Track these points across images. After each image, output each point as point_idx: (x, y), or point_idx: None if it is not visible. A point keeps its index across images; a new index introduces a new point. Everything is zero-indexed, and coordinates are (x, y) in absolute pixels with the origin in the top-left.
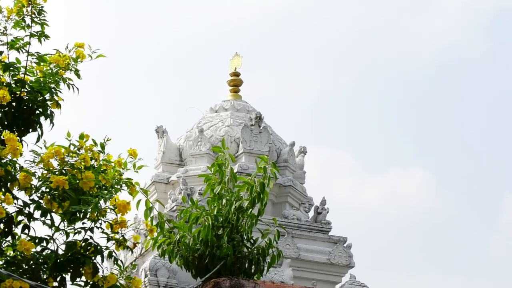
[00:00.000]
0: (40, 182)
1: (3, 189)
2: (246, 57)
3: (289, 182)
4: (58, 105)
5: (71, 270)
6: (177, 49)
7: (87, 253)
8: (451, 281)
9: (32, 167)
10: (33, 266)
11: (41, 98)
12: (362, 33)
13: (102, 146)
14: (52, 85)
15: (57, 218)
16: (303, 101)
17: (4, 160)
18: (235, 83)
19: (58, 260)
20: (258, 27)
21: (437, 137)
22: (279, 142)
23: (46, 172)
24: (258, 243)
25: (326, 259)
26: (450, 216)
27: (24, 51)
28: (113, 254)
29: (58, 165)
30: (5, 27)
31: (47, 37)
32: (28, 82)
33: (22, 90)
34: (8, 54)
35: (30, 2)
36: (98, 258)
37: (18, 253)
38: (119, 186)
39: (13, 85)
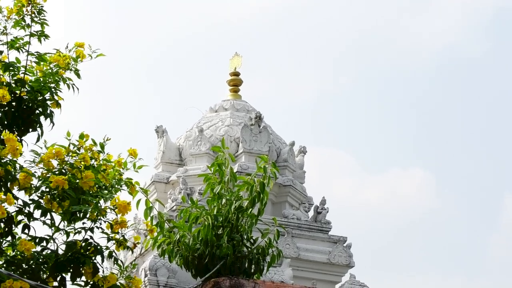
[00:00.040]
0: (40, 182)
1: (3, 189)
2: (246, 57)
3: (289, 182)
4: (58, 105)
5: (71, 270)
6: (177, 49)
7: (87, 253)
8: (451, 281)
9: (32, 167)
10: (33, 266)
11: (41, 98)
12: (362, 33)
13: (102, 146)
14: (52, 85)
15: (57, 218)
16: (303, 101)
17: (4, 160)
18: (235, 83)
19: (58, 260)
20: (258, 27)
21: (437, 137)
22: (279, 141)
23: (45, 171)
24: (258, 243)
25: (326, 258)
26: (450, 216)
27: (24, 50)
28: (113, 254)
29: (57, 164)
30: (5, 27)
31: (47, 36)
32: (28, 81)
33: (22, 89)
34: (8, 54)
35: (30, 2)
36: (98, 258)
37: (18, 253)
38: (119, 186)
39: (13, 85)
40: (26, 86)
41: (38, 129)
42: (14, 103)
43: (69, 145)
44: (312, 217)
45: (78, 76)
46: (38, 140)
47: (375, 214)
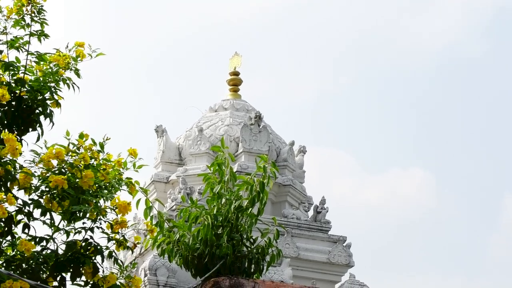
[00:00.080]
0: (40, 182)
1: (3, 189)
2: (246, 57)
3: (289, 182)
4: (58, 105)
5: (71, 270)
6: (177, 49)
7: (87, 253)
8: (451, 281)
9: (32, 166)
10: (33, 266)
11: (41, 98)
12: (362, 33)
13: (102, 146)
14: (52, 84)
15: (57, 218)
16: (303, 101)
17: (4, 160)
18: (235, 83)
19: (58, 260)
20: (258, 27)
21: (437, 137)
22: (279, 141)
23: (45, 171)
24: (258, 243)
25: (326, 258)
26: (450, 216)
27: (23, 50)
28: (113, 254)
29: (57, 164)
30: (5, 27)
31: (46, 36)
32: (28, 81)
33: (22, 89)
34: (8, 53)
35: (30, 1)
36: (98, 258)
37: (18, 252)
38: (119, 186)
39: (13, 84)
40: (26, 85)
41: (38, 128)
42: (14, 103)
43: (68, 145)
44: (312, 216)
45: (78, 75)
46: (38, 139)
47: (375, 214)
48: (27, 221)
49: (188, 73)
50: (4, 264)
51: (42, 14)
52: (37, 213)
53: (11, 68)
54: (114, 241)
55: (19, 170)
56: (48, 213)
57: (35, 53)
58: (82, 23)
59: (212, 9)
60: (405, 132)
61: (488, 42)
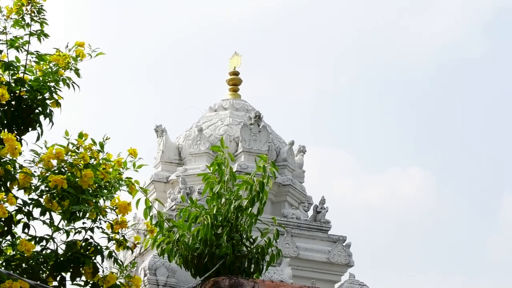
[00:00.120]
0: (40, 182)
1: (2, 189)
2: (246, 57)
3: (288, 181)
4: (57, 104)
5: (71, 270)
6: (177, 49)
7: (87, 253)
8: (451, 281)
9: (32, 166)
10: (33, 265)
11: (40, 97)
12: (362, 33)
13: (101, 145)
14: (52, 84)
15: (56, 217)
16: (303, 101)
17: (4, 160)
18: (234, 82)
19: (58, 260)
20: (258, 27)
21: (437, 137)
22: (278, 141)
23: (44, 171)
24: (258, 242)
25: (326, 258)
26: (449, 216)
27: (23, 50)
28: (113, 254)
29: (56, 163)
30: (4, 26)
31: (46, 35)
32: (28, 81)
33: (22, 89)
34: (7, 53)
35: (29, 1)
36: (98, 258)
37: (18, 252)
38: (118, 185)
39: (13, 84)
40: (26, 85)
41: (38, 128)
42: (13, 103)
43: (68, 145)
44: (312, 216)
45: (78, 75)
46: (38, 139)
47: (374, 214)
48: (27, 221)
49: (188, 73)
50: (4, 264)
51: (42, 14)
52: (36, 212)
53: (11, 67)
54: (114, 241)
55: (19, 170)
56: (47, 213)
57: (35, 53)
58: (82, 23)
59: (212, 9)
60: (405, 132)
61: (488, 42)
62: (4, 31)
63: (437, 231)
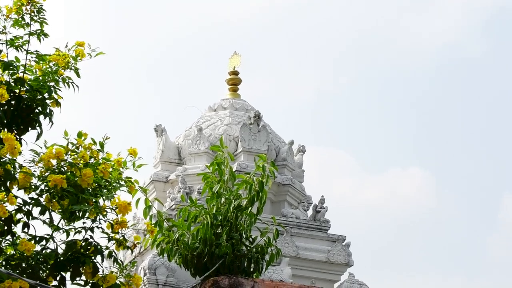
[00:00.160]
0: (40, 182)
1: (2, 188)
2: (246, 57)
3: (288, 181)
4: (57, 104)
5: (71, 270)
6: (177, 49)
7: (87, 252)
8: (451, 281)
9: (32, 166)
10: (33, 265)
11: (40, 97)
12: (362, 33)
13: (101, 145)
14: (52, 84)
15: (56, 217)
16: (303, 101)
17: (4, 159)
18: (234, 82)
19: (58, 259)
20: (258, 27)
21: (437, 137)
22: (278, 140)
23: (44, 170)
24: (257, 242)
25: (325, 257)
26: (449, 216)
27: (23, 49)
28: (113, 254)
29: (56, 162)
30: (4, 26)
31: (46, 35)
32: (27, 80)
33: (21, 88)
34: (7, 53)
35: (29, 1)
36: (98, 257)
37: (18, 252)
38: (118, 184)
39: (12, 84)
40: (26, 85)
41: (38, 128)
42: (13, 102)
43: (67, 144)
44: (311, 216)
45: (78, 75)
46: (37, 139)
47: (374, 214)
48: (27, 220)
49: (187, 73)
50: (4, 263)
51: (42, 14)
52: (36, 212)
53: (11, 67)
54: (114, 241)
55: (19, 170)
56: (47, 212)
57: (34, 52)
58: (82, 23)
59: (212, 9)
60: (405, 132)
61: (488, 42)
62: (4, 30)
63: (437, 231)
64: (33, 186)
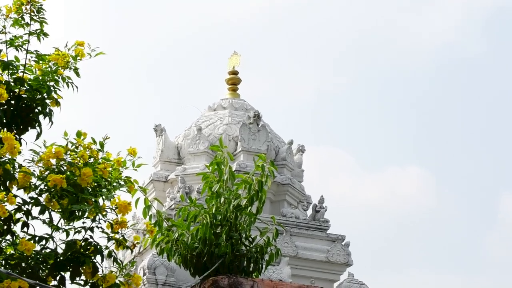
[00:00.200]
0: (40, 181)
1: (2, 188)
2: (246, 57)
3: (287, 180)
4: (57, 104)
5: (70, 269)
6: (177, 49)
7: (87, 252)
8: (451, 280)
9: (31, 166)
10: (32, 264)
11: (40, 97)
12: (362, 33)
13: (101, 145)
14: (51, 83)
15: (56, 216)
16: (302, 101)
17: (3, 159)
18: (233, 82)
19: (58, 259)
20: (258, 27)
21: (436, 136)
22: (278, 140)
23: (43, 170)
24: (257, 241)
25: (324, 257)
26: (449, 215)
27: (23, 49)
28: (113, 253)
29: (55, 162)
30: (4, 26)
31: (46, 35)
32: (27, 80)
33: (21, 88)
34: (7, 52)
35: (29, 0)
36: (98, 257)
37: (18, 252)
38: (117, 184)
39: (12, 84)
40: (25, 84)
41: (37, 127)
42: (13, 102)
43: (67, 144)
44: (311, 215)
45: (78, 74)
46: (37, 138)
47: (374, 213)
48: (26, 220)
49: (187, 73)
50: (3, 263)
51: (42, 13)
52: (35, 211)
53: (10, 67)
54: (113, 241)
55: (18, 169)
56: (47, 212)
57: (34, 52)
58: (82, 23)
59: (212, 9)
60: (404, 131)
61: (488, 41)
62: (4, 30)
63: (437, 231)
64: (32, 186)
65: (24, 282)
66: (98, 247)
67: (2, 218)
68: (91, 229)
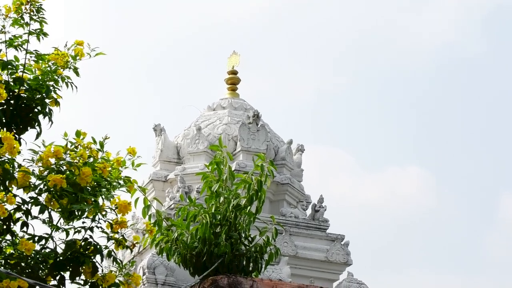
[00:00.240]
0: (39, 181)
1: (1, 188)
2: (246, 57)
3: (287, 180)
4: (56, 103)
5: (70, 269)
6: (177, 49)
7: (87, 252)
8: (450, 280)
9: (31, 165)
10: (32, 264)
11: (39, 96)
12: (362, 33)
13: (101, 145)
14: (51, 83)
15: (55, 216)
16: (302, 100)
17: (2, 159)
18: (233, 82)
19: (58, 259)
20: (258, 26)
21: (436, 136)
22: (277, 140)
23: (43, 169)
24: (256, 241)
25: (324, 256)
26: (449, 215)
27: (22, 49)
28: (112, 253)
29: (55, 161)
30: (3, 25)
31: (45, 34)
32: (27, 80)
33: (21, 88)
34: (6, 52)
35: (28, 0)
36: (98, 257)
37: (18, 251)
38: (117, 184)
39: (11, 83)
40: (25, 84)
41: (37, 127)
42: (12, 101)
43: (66, 144)
44: (310, 215)
45: (77, 74)
46: (37, 138)
47: (374, 213)
48: (26, 219)
49: (187, 73)
50: (3, 262)
51: (41, 13)
52: (35, 211)
53: (10, 66)
54: (113, 241)
55: (18, 169)
56: (46, 211)
57: (34, 52)
58: (82, 23)
59: (212, 9)
60: (404, 131)
61: (488, 41)
62: (3, 30)
63: (436, 231)
64: (32, 185)
65: (24, 281)
66: (98, 246)
67: (2, 217)
68: (91, 228)
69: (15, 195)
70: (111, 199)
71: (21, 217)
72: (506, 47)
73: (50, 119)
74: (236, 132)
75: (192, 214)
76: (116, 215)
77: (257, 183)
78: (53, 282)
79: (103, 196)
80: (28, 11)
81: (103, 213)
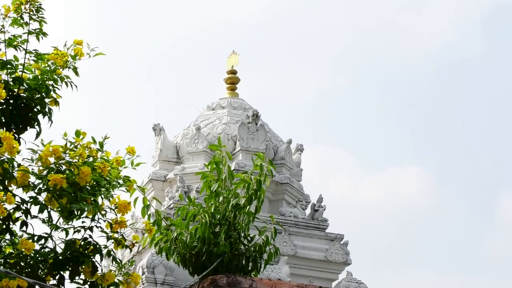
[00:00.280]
0: (39, 181)
1: (1, 187)
2: (245, 56)
3: (286, 180)
4: (56, 103)
5: (70, 269)
6: (177, 48)
7: (86, 251)
8: (450, 279)
9: (30, 165)
10: (31, 263)
11: (39, 96)
12: (362, 33)
13: (101, 144)
14: (50, 83)
15: (55, 215)
16: (302, 100)
17: (2, 158)
18: (232, 81)
19: (57, 258)
20: (258, 26)
21: (436, 136)
22: (276, 139)
23: (42, 169)
24: (255, 241)
25: (323, 256)
26: (449, 215)
27: (22, 48)
28: (112, 253)
29: (54, 161)
30: (2, 25)
31: (45, 34)
32: (26, 79)
33: (20, 87)
34: (5, 52)
35: (28, 0)
36: (97, 256)
37: (17, 251)
38: (116, 183)
39: (11, 83)
40: (24, 84)
41: (36, 127)
42: (12, 101)
43: (66, 144)
44: (309, 214)
45: (77, 74)
46: (36, 137)
47: (373, 213)
48: (25, 219)
49: (187, 72)
50: (2, 262)
51: (41, 13)
52: (34, 210)
53: (9, 66)
54: (113, 240)
55: (17, 169)
56: (46, 211)
57: (33, 51)
58: (82, 23)
59: (211, 9)
60: (404, 131)
61: (488, 41)
62: (3, 29)
63: (436, 230)
64: (31, 185)
65: (23, 281)
66: (97, 246)
67: (1, 217)
68: (90, 228)
69: (14, 195)
70: (111, 198)
71: (20, 216)
72: (506, 47)
73: (49, 119)
74: (235, 131)
75: (192, 214)
76: (116, 214)
77: (256, 183)
78: (53, 282)
79: (102, 196)
80: (28, 10)
81: (103, 212)
